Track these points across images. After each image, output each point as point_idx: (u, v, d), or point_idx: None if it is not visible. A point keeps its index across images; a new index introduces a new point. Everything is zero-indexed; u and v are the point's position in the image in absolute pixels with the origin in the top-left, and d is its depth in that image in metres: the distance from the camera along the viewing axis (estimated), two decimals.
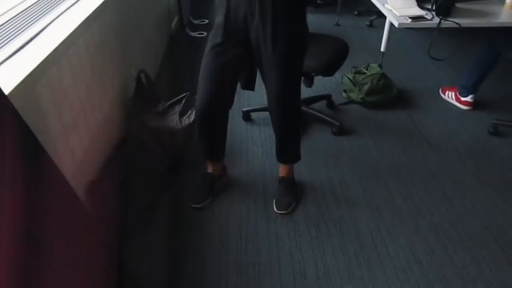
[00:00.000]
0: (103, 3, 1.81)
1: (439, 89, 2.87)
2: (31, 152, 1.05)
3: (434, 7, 2.01)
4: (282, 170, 2.02)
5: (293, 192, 1.96)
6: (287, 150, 1.96)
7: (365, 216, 1.87)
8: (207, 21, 4.07)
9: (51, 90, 1.31)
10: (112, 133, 1.92)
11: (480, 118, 2.59)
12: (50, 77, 1.30)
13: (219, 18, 1.61)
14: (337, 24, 4.06)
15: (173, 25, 3.84)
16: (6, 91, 1.05)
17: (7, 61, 1.21)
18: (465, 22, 1.93)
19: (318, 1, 4.61)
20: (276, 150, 1.97)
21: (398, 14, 2.01)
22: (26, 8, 1.52)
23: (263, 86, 1.76)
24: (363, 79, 2.69)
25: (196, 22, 4.10)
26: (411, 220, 1.86)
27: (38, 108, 1.24)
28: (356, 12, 4.31)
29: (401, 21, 1.94)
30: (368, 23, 4.04)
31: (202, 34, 3.71)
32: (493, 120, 2.44)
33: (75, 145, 1.51)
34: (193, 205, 1.92)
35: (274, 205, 1.90)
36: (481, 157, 2.25)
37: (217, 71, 1.67)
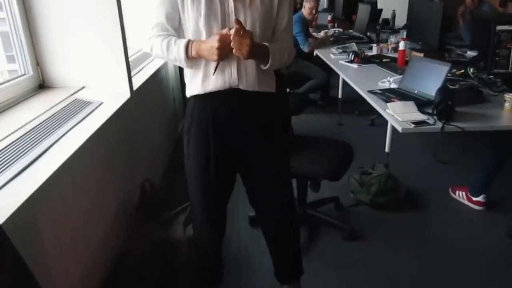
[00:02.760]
0: (110, 117, 1.85)
1: (449, 189, 2.82)
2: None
3: (435, 112, 2.04)
4: None
5: None
6: (290, 267, 1.76)
7: None
8: None
9: (51, 213, 1.27)
10: (113, 247, 1.84)
11: (496, 219, 2.49)
12: (51, 200, 1.26)
13: (201, 138, 1.46)
14: (339, 124, 4.15)
15: (179, 128, 3.93)
16: (3, 217, 1.01)
17: (9, 183, 1.19)
18: (468, 126, 1.95)
19: (319, 102, 4.79)
20: (275, 269, 1.77)
21: (400, 119, 2.04)
22: (34, 128, 1.54)
23: None
24: (370, 180, 2.66)
25: None
26: None
27: (35, 234, 1.18)
28: (356, 112, 4.44)
29: (404, 126, 1.96)
30: (369, 122, 4.14)
31: None
32: (510, 222, 2.34)
33: (72, 265, 1.42)
34: None
35: None
36: (504, 263, 2.11)
37: (215, 202, 1.58)
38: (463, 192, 2.67)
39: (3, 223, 0.99)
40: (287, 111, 2.46)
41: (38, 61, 1.90)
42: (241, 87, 1.40)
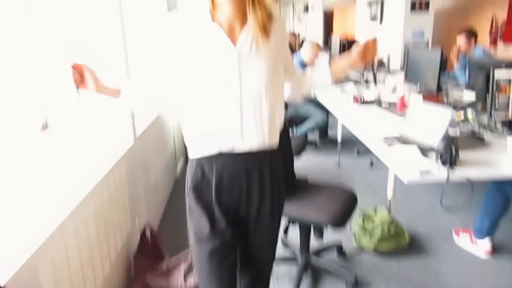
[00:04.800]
0: (113, 167, 1.83)
1: (452, 231, 2.78)
2: None
3: (439, 158, 2.04)
4: None
5: None
6: None
7: None
8: None
9: (52, 264, 1.22)
10: None
11: (501, 265, 2.44)
12: (53, 253, 1.22)
13: (202, 199, 1.33)
14: (338, 165, 4.15)
15: (178, 168, 3.91)
16: (6, 278, 0.97)
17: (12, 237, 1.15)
18: (474, 175, 1.94)
19: (317, 142, 4.81)
20: None
21: (404, 170, 2.02)
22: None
23: None
24: (373, 226, 2.62)
25: None
26: None
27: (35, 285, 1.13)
28: (356, 152, 4.45)
29: (410, 178, 1.94)
30: (369, 163, 4.14)
31: None
32: None
33: None
34: None
35: None
36: None
37: (224, 277, 1.40)
38: (467, 234, 2.63)
39: (6, 283, 0.95)
40: (290, 155, 2.47)
41: None
42: (245, 148, 1.30)
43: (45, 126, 1.79)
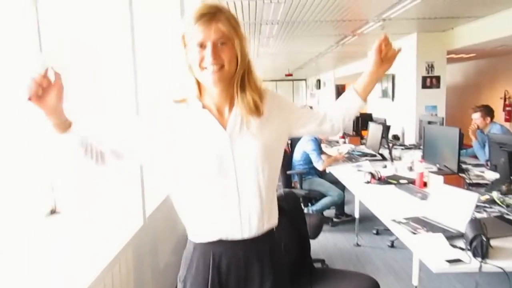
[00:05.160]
0: (120, 251, 1.74)
1: None
2: None
3: (468, 247, 1.89)
4: None
5: None
6: None
7: None
8: None
9: None
10: None
11: None
12: None
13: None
14: (357, 245, 3.95)
15: None
16: None
17: None
18: (509, 265, 1.78)
19: (334, 219, 4.64)
20: None
21: (431, 255, 1.88)
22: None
23: None
24: None
25: None
26: None
27: None
28: (374, 231, 4.25)
29: (437, 267, 1.80)
30: (389, 243, 3.93)
31: None
32: None
33: None
34: None
35: None
36: None
37: None
38: None
39: None
40: (306, 238, 2.35)
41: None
42: (244, 236, 1.24)
43: (53, 211, 1.74)
